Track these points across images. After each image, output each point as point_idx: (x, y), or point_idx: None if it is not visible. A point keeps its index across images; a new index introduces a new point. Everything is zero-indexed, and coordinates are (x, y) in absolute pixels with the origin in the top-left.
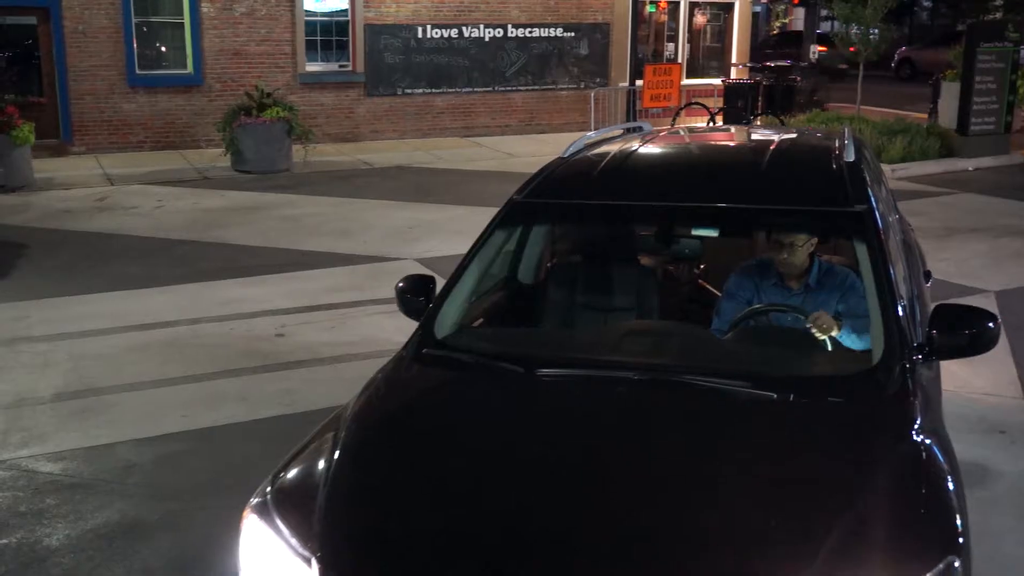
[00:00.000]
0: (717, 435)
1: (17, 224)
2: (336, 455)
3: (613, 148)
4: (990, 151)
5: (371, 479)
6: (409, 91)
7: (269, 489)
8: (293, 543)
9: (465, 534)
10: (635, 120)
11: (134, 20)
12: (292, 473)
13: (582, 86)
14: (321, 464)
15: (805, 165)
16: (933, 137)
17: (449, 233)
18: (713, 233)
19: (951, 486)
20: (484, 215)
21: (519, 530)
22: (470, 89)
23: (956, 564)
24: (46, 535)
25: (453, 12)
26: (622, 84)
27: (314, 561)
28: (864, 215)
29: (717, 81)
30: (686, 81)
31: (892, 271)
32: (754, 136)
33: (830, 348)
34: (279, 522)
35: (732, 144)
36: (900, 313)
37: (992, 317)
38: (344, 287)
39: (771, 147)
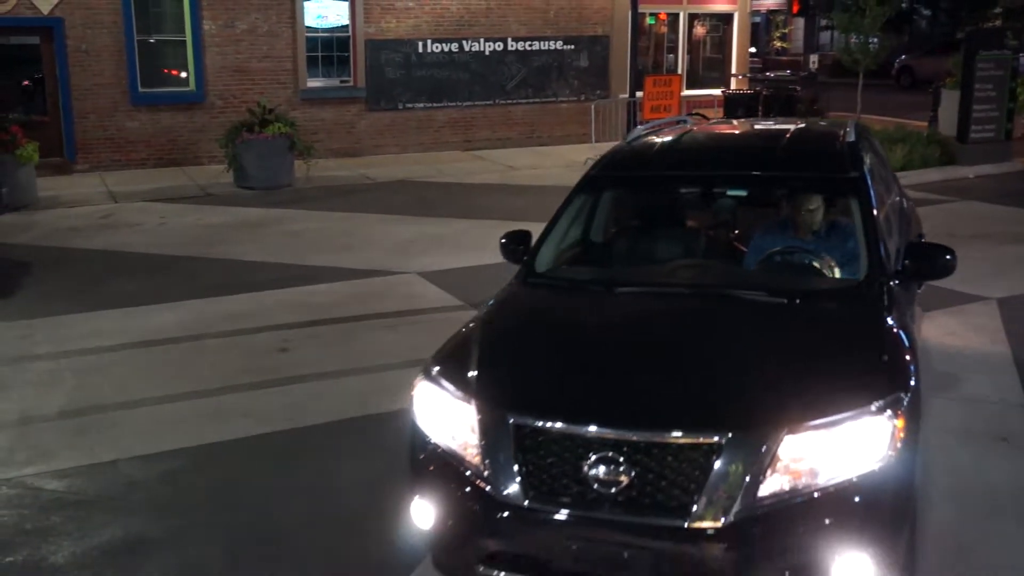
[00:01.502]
0: (744, 323)
1: (22, 242)
2: (477, 337)
3: (665, 136)
4: (991, 158)
5: (504, 347)
6: (410, 105)
7: (431, 366)
8: (456, 393)
9: (570, 372)
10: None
11: (136, 38)
12: (445, 354)
13: (582, 98)
14: (466, 345)
15: (816, 144)
16: (933, 145)
17: (451, 247)
18: (744, 193)
19: (908, 356)
20: (487, 228)
21: (606, 368)
22: (471, 103)
23: (903, 397)
24: (51, 552)
25: (453, 26)
26: (622, 96)
27: (472, 400)
28: (857, 180)
29: (717, 92)
30: (686, 92)
31: (877, 220)
32: (777, 126)
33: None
34: (444, 382)
35: (760, 130)
36: (880, 248)
37: (950, 251)
38: (347, 302)
39: (790, 132)
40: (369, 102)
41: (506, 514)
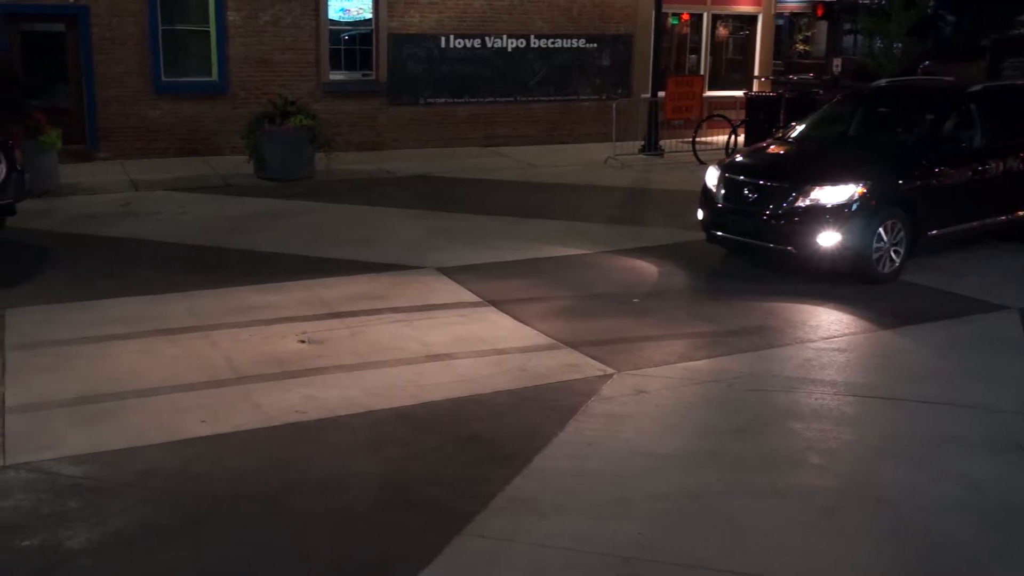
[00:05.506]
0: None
1: (43, 228)
2: (728, 160)
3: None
4: None
5: (736, 161)
6: (431, 100)
7: (718, 162)
8: (715, 168)
9: (761, 168)
10: (655, 131)
11: (161, 28)
12: (720, 160)
13: (604, 97)
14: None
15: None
16: None
17: (470, 242)
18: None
19: None
20: (505, 224)
21: (764, 162)
22: (492, 99)
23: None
24: (67, 537)
25: (476, 22)
26: (644, 95)
27: (718, 168)
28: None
29: (739, 93)
30: (708, 93)
31: None
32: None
33: None
34: (712, 166)
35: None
36: None
37: None
38: (364, 295)
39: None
40: (390, 96)
41: (719, 207)
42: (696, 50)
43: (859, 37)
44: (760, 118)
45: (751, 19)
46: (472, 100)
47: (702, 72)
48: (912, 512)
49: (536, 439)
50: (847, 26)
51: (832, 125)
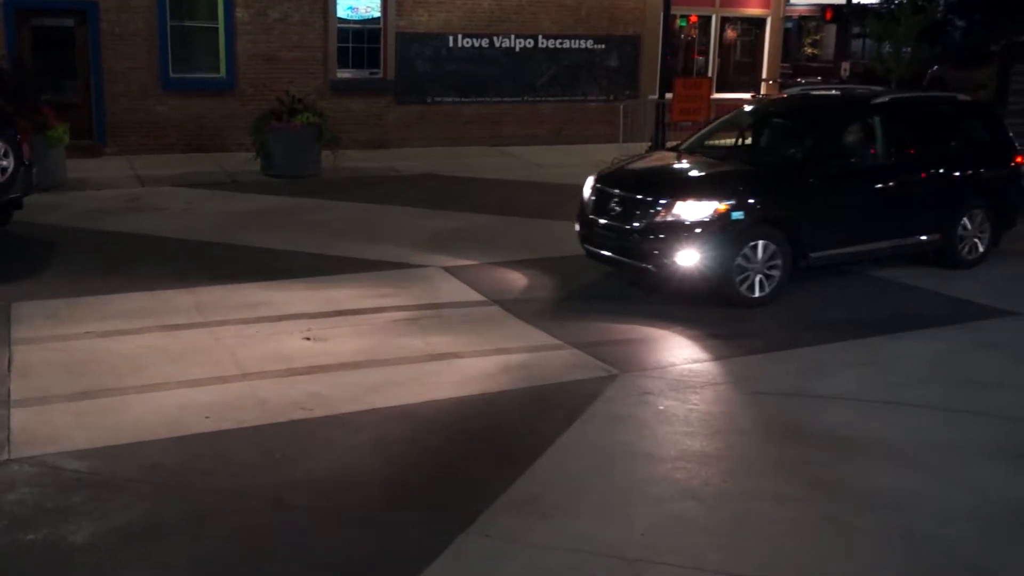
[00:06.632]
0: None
1: (50, 223)
2: (605, 169)
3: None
4: None
5: (610, 170)
6: (439, 99)
7: (599, 171)
8: (591, 179)
9: (629, 180)
10: (663, 132)
11: (169, 24)
12: (600, 169)
13: (611, 98)
14: (608, 168)
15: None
16: None
17: (476, 241)
18: None
19: None
20: (511, 224)
21: (632, 175)
22: (499, 99)
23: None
24: (71, 532)
25: (484, 22)
26: (651, 97)
27: (592, 180)
28: None
29: (747, 96)
30: (716, 95)
31: None
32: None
33: None
34: (592, 176)
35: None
36: None
37: None
38: (369, 293)
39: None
40: (398, 95)
41: (588, 219)
42: (704, 52)
43: (868, 41)
44: None
45: (759, 22)
46: (479, 100)
47: (710, 74)
48: (917, 518)
49: (541, 439)
50: (856, 30)
51: (729, 135)
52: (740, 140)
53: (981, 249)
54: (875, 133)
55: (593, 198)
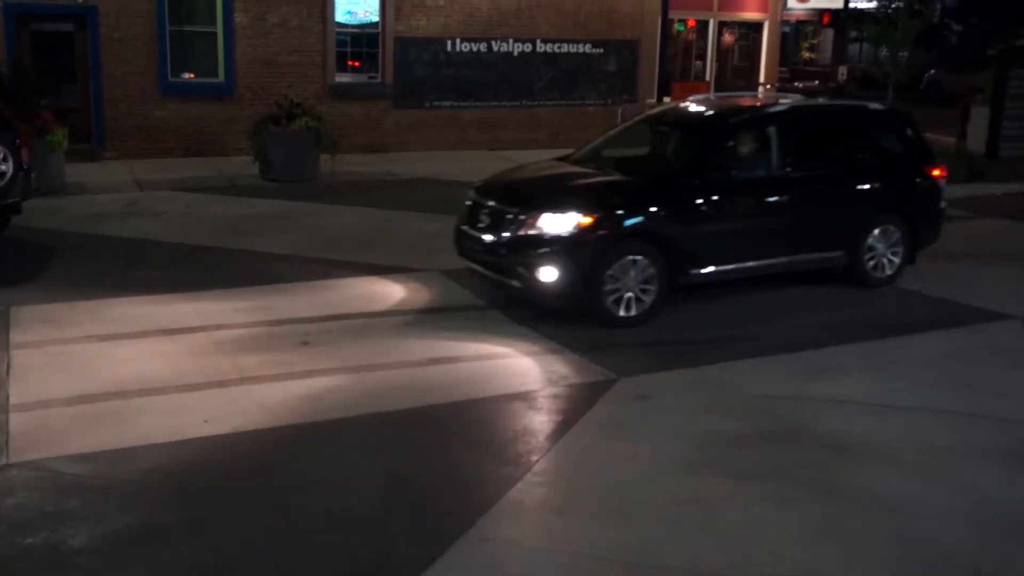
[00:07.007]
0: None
1: (49, 227)
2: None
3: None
4: (1020, 176)
5: (488, 180)
6: (437, 104)
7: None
8: (469, 191)
9: (501, 190)
10: None
11: (168, 28)
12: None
13: (609, 102)
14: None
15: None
16: (962, 161)
17: None
18: None
19: None
20: None
21: (505, 186)
22: (498, 103)
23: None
24: (69, 536)
25: (483, 27)
26: (649, 101)
27: (472, 191)
28: None
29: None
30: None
31: None
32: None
33: None
34: (469, 190)
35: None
36: None
37: None
38: (368, 297)
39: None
40: (396, 99)
41: (462, 229)
42: (702, 56)
43: (865, 45)
44: None
45: (757, 26)
46: (478, 104)
47: (708, 78)
48: (918, 521)
49: (540, 442)
50: (853, 34)
51: (621, 146)
52: (630, 151)
53: (891, 268)
54: (769, 144)
55: (468, 208)
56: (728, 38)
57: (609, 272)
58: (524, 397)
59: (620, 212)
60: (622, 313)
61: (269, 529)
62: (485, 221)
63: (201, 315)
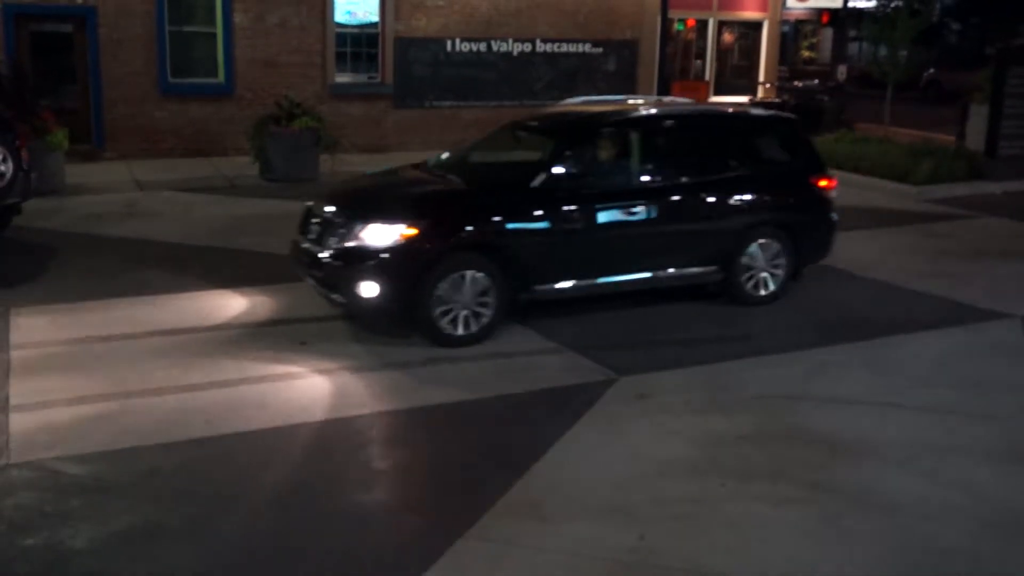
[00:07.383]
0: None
1: (49, 228)
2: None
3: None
4: (1019, 175)
5: (331, 186)
6: (437, 104)
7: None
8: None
9: (336, 197)
10: None
11: (168, 29)
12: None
13: None
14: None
15: None
16: (961, 159)
17: None
18: None
19: None
20: None
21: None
22: (497, 103)
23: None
24: (69, 536)
25: (482, 26)
26: None
27: (311, 201)
28: None
29: (744, 99)
30: (713, 99)
31: None
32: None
33: None
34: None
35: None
36: None
37: None
38: None
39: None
40: (396, 99)
41: (295, 239)
42: (702, 56)
43: (864, 44)
44: None
45: (756, 25)
46: (477, 104)
47: (707, 78)
48: (918, 521)
49: (540, 441)
50: (852, 33)
51: (488, 151)
52: (495, 156)
53: (772, 286)
54: (630, 151)
55: (302, 217)
56: (728, 37)
57: (438, 287)
58: (524, 397)
59: (451, 223)
60: (459, 332)
61: (269, 529)
62: (316, 232)
63: (200, 315)
